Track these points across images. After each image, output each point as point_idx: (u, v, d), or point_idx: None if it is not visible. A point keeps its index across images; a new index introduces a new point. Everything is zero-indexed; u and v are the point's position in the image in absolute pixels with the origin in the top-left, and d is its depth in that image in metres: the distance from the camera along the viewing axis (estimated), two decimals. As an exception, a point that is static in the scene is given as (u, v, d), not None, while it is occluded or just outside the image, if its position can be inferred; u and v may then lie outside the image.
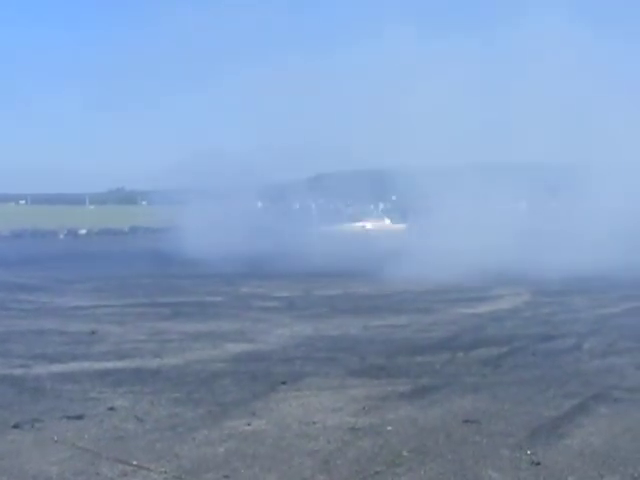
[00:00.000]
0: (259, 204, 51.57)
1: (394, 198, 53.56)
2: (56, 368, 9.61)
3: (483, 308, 14.59)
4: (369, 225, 48.56)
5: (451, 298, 16.15)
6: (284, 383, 8.69)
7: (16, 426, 7.15)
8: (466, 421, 7.12)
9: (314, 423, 7.16)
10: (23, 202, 51.74)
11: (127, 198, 53.40)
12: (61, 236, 46.42)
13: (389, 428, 6.99)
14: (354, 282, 19.33)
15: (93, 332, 12.10)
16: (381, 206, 53.10)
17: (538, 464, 5.93)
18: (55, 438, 6.79)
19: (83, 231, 47.71)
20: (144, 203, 50.88)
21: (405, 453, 6.27)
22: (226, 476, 5.79)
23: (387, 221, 49.38)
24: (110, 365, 9.77)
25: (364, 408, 7.65)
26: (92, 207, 50.55)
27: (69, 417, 7.40)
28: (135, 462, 6.11)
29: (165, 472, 5.89)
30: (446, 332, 12.01)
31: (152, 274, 22.68)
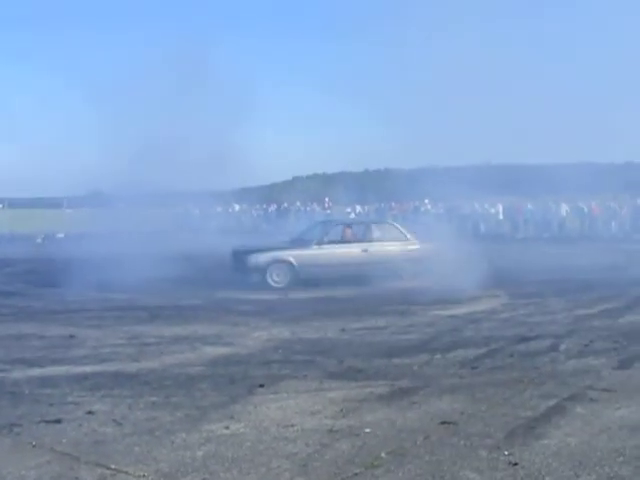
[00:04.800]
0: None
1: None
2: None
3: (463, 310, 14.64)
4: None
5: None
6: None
7: None
8: (443, 422, 7.17)
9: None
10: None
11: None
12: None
13: (367, 430, 7.02)
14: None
15: (72, 336, 11.96)
16: (358, 209, 50.37)
17: (515, 464, 5.99)
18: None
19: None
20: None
21: (383, 455, 6.30)
22: (205, 479, 5.80)
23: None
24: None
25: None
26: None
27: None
28: (114, 466, 6.10)
29: (144, 476, 5.88)
30: (424, 334, 12.02)
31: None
